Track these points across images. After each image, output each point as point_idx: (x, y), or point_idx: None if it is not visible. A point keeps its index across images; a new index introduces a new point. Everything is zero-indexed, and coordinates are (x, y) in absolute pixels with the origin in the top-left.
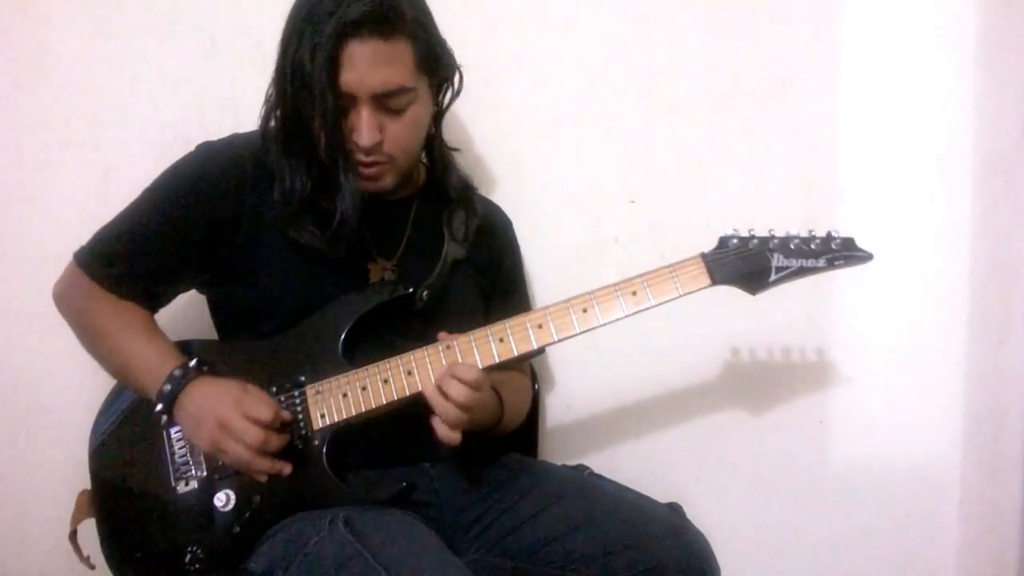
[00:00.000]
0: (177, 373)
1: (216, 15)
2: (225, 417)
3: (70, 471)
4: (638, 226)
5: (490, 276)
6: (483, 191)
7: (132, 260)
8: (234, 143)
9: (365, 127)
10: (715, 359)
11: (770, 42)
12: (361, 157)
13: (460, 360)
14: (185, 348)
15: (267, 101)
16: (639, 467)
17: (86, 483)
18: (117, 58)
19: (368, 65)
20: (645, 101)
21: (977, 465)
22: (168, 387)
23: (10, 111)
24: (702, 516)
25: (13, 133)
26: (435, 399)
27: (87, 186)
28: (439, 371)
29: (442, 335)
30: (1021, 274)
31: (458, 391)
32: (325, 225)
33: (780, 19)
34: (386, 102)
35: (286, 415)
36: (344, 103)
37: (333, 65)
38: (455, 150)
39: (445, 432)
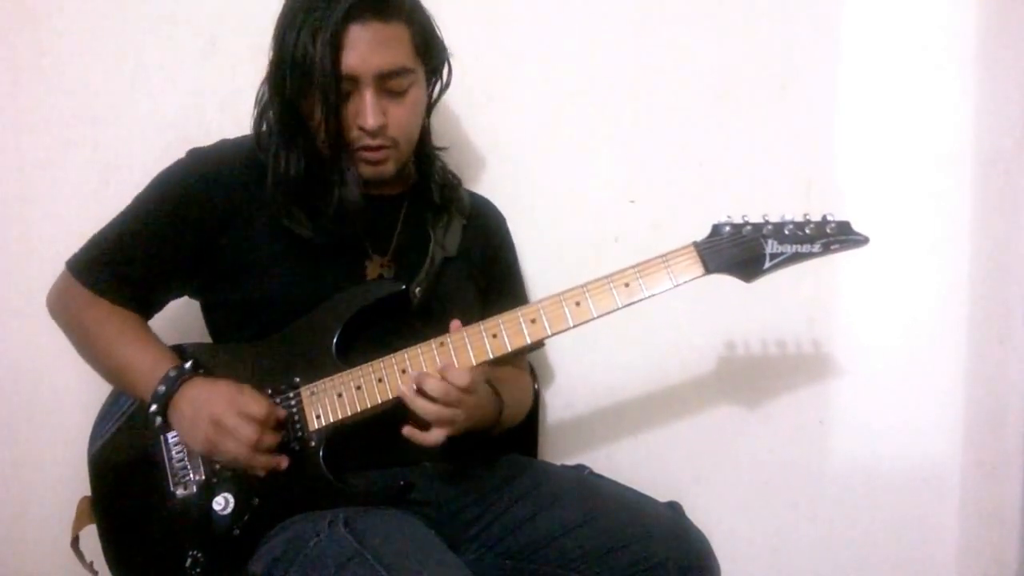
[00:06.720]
0: (172, 374)
1: (216, 15)
2: (219, 414)
3: (69, 472)
4: (638, 226)
5: (485, 272)
6: (484, 191)
7: (124, 266)
8: (222, 148)
9: (370, 109)
10: (715, 359)
11: (770, 42)
12: (367, 141)
13: (453, 357)
14: (179, 352)
15: (259, 102)
16: (639, 466)
17: (85, 484)
18: (117, 58)
19: (370, 46)
20: (645, 101)
21: (977, 465)
22: (162, 388)
23: (10, 111)
24: (701, 515)
25: (13, 133)
26: (414, 402)
27: (87, 186)
28: (432, 370)
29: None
30: (1021, 273)
31: (441, 389)
32: (318, 218)
33: (779, 19)
34: (388, 84)
35: (281, 412)
36: (347, 88)
37: (335, 49)
38: (441, 149)
39: (421, 436)
